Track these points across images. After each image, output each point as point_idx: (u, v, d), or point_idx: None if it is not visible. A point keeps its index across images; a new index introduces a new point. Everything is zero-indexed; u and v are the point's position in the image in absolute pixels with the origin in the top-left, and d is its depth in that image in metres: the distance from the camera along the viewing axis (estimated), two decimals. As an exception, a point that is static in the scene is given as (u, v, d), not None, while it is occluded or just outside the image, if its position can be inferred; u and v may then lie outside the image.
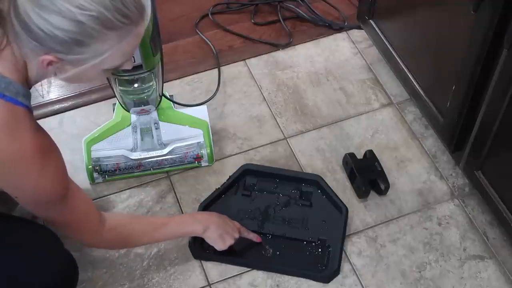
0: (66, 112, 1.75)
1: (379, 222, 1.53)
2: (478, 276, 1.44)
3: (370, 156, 1.60)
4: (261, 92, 1.80)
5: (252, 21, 1.99)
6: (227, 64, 1.87)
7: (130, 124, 1.57)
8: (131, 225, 1.31)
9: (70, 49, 0.93)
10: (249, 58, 1.88)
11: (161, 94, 1.51)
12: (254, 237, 1.46)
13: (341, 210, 1.51)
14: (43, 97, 1.77)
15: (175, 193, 1.59)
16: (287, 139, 1.70)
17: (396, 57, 1.64)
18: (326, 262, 1.45)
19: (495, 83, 1.26)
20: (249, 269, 1.46)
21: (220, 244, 1.40)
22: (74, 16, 0.89)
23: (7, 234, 1.19)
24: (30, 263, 1.17)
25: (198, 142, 1.60)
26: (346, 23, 1.97)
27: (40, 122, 1.67)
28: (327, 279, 1.43)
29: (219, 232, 1.38)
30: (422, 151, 1.66)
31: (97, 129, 1.60)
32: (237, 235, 1.41)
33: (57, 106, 1.76)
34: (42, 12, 0.89)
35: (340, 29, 1.96)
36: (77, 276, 1.29)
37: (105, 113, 1.72)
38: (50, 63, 0.95)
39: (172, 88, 1.78)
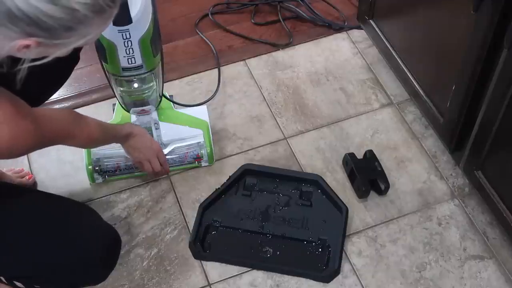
0: (66, 112, 1.75)
1: (379, 222, 1.53)
2: (478, 276, 1.44)
3: (370, 156, 1.60)
4: (261, 92, 1.80)
5: (252, 21, 1.99)
6: (227, 64, 1.87)
7: (130, 124, 1.57)
8: (97, 133, 1.34)
9: (55, 35, 0.88)
10: (249, 58, 1.88)
11: (161, 95, 1.51)
12: (164, 165, 1.54)
13: (341, 210, 1.51)
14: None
15: (175, 193, 1.59)
16: (287, 139, 1.70)
17: (396, 57, 1.64)
18: (326, 262, 1.45)
19: (495, 83, 1.26)
20: (249, 269, 1.46)
21: (139, 161, 1.51)
22: (69, 4, 0.85)
23: (50, 210, 1.22)
24: (76, 238, 1.20)
25: (198, 142, 1.60)
26: (346, 23, 1.97)
27: (40, 122, 1.72)
28: (327, 279, 1.43)
29: (141, 156, 1.49)
30: (422, 151, 1.66)
31: (97, 129, 1.60)
32: (154, 160, 1.51)
33: (57, 106, 1.76)
34: None
35: (340, 29, 1.96)
36: (120, 248, 1.36)
37: (105, 113, 1.72)
38: (27, 46, 0.89)
39: (172, 88, 1.78)
